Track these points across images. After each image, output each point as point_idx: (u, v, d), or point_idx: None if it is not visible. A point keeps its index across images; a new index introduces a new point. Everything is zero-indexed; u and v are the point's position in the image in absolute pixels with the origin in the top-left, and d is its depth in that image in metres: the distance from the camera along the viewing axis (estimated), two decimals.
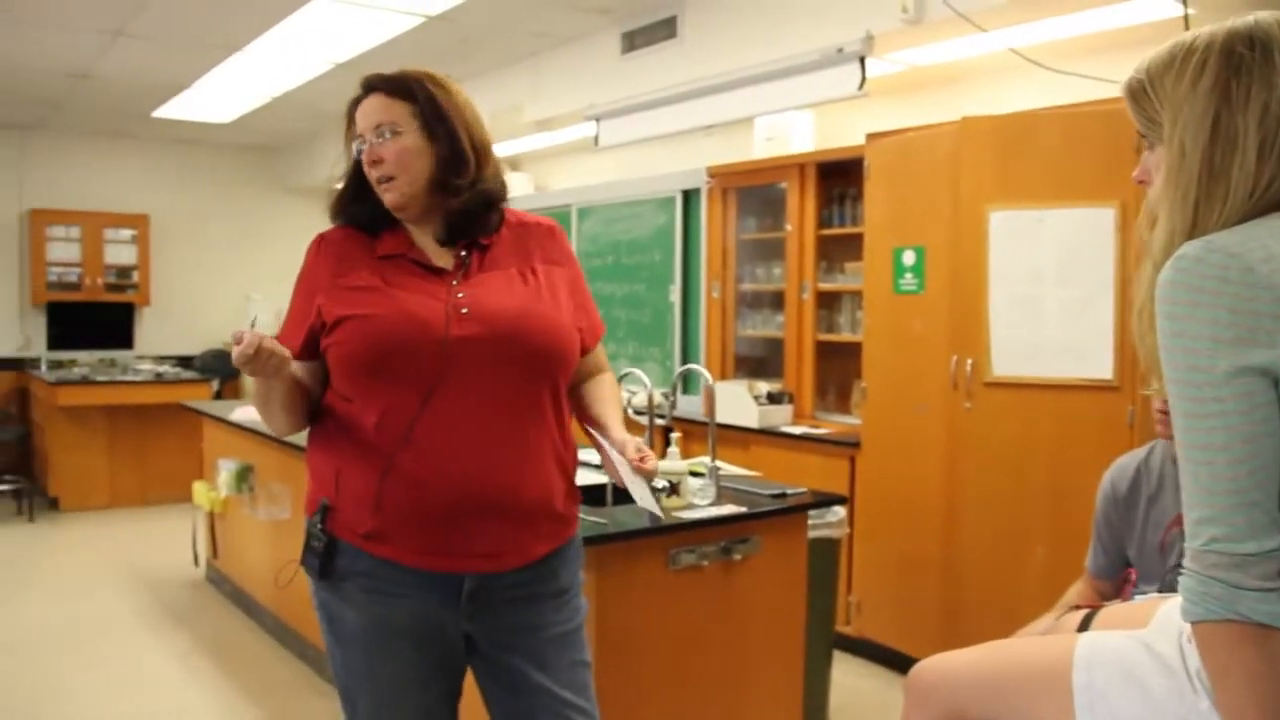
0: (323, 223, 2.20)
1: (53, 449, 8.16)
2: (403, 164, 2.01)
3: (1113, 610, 1.92)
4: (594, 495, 3.16)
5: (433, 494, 1.94)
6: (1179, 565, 2.67)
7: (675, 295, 6.18)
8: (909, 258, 4.52)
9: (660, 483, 3.12)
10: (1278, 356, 1.22)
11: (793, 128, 5.68)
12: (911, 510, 4.53)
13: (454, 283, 2.02)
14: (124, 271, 9.83)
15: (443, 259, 2.06)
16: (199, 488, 6.03)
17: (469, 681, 2.16)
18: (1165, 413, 2.78)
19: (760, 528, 3.24)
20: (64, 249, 9.54)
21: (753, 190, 5.90)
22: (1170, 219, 1.33)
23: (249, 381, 2.02)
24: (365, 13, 5.63)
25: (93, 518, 7.98)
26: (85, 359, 9.33)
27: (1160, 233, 1.35)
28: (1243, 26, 1.35)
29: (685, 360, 6.10)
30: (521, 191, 7.77)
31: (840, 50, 4.63)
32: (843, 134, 5.47)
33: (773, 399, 5.39)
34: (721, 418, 3.81)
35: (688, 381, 5.89)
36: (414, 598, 2.00)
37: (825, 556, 3.91)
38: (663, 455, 3.32)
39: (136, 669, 4.78)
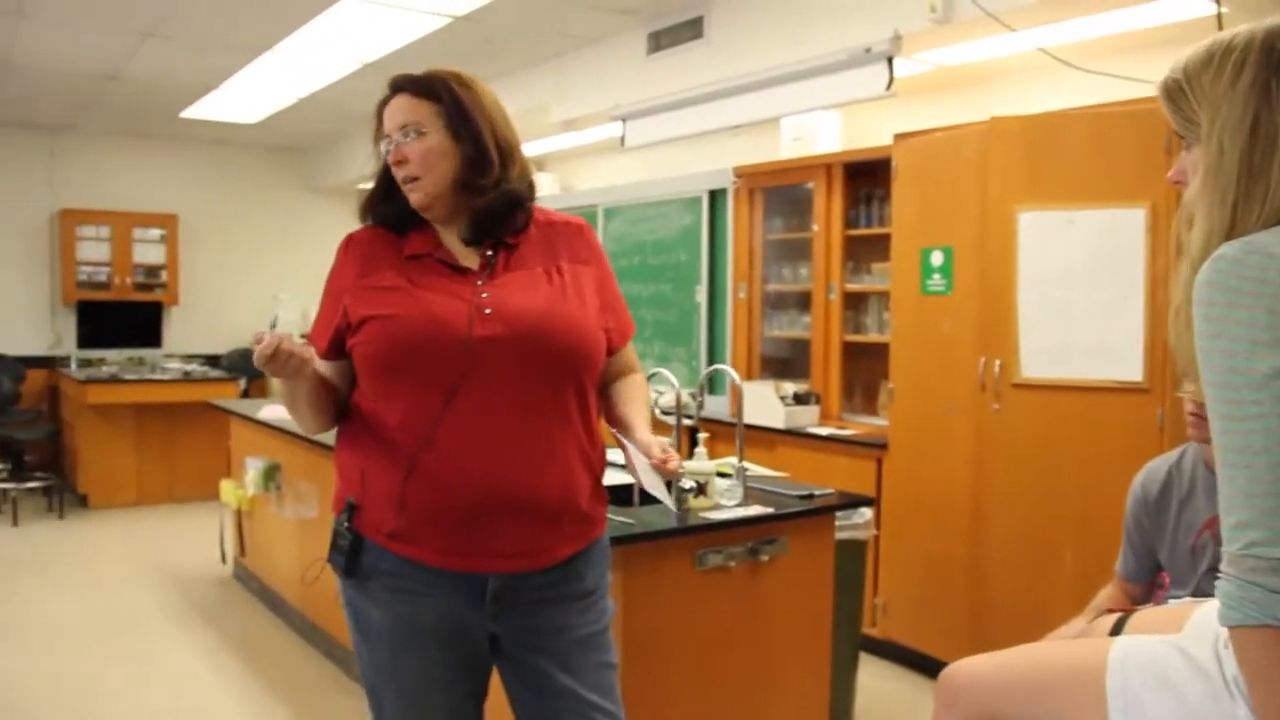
0: (349, 223, 2.21)
1: (82, 447, 8.23)
2: (427, 164, 2.01)
3: (1146, 614, 1.91)
4: (621, 495, 3.16)
5: (455, 494, 1.94)
6: (1212, 569, 2.65)
7: (701, 295, 6.17)
8: (937, 258, 4.50)
9: (688, 483, 3.13)
10: None
11: (819, 128, 5.66)
12: (938, 512, 4.51)
13: (479, 282, 2.02)
14: (152, 271, 9.91)
15: (469, 259, 2.06)
16: (226, 486, 6.07)
17: (495, 682, 2.16)
18: (1197, 415, 2.77)
19: (787, 529, 3.23)
20: (94, 248, 9.62)
21: (779, 190, 5.89)
22: (1208, 219, 1.32)
23: (275, 380, 2.02)
24: (392, 13, 5.65)
25: (121, 515, 8.04)
26: (114, 357, 9.40)
27: (1198, 233, 1.33)
28: None
29: (711, 360, 6.09)
30: (547, 192, 7.77)
31: (868, 50, 4.62)
32: (870, 134, 5.45)
33: (799, 400, 5.38)
34: (748, 418, 3.80)
35: (714, 382, 5.88)
36: (439, 597, 2.00)
37: (852, 558, 3.89)
38: (689, 456, 3.31)
39: (164, 665, 4.81)
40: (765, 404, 5.30)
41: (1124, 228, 3.89)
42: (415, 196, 2.03)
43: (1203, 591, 2.73)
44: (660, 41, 5.89)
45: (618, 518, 2.93)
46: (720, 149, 6.45)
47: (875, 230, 5.25)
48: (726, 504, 3.22)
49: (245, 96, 8.02)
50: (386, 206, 2.12)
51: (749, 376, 5.84)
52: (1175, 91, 1.41)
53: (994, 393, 4.24)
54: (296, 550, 5.16)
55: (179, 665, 4.81)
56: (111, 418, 8.20)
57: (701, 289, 6.17)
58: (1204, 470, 2.86)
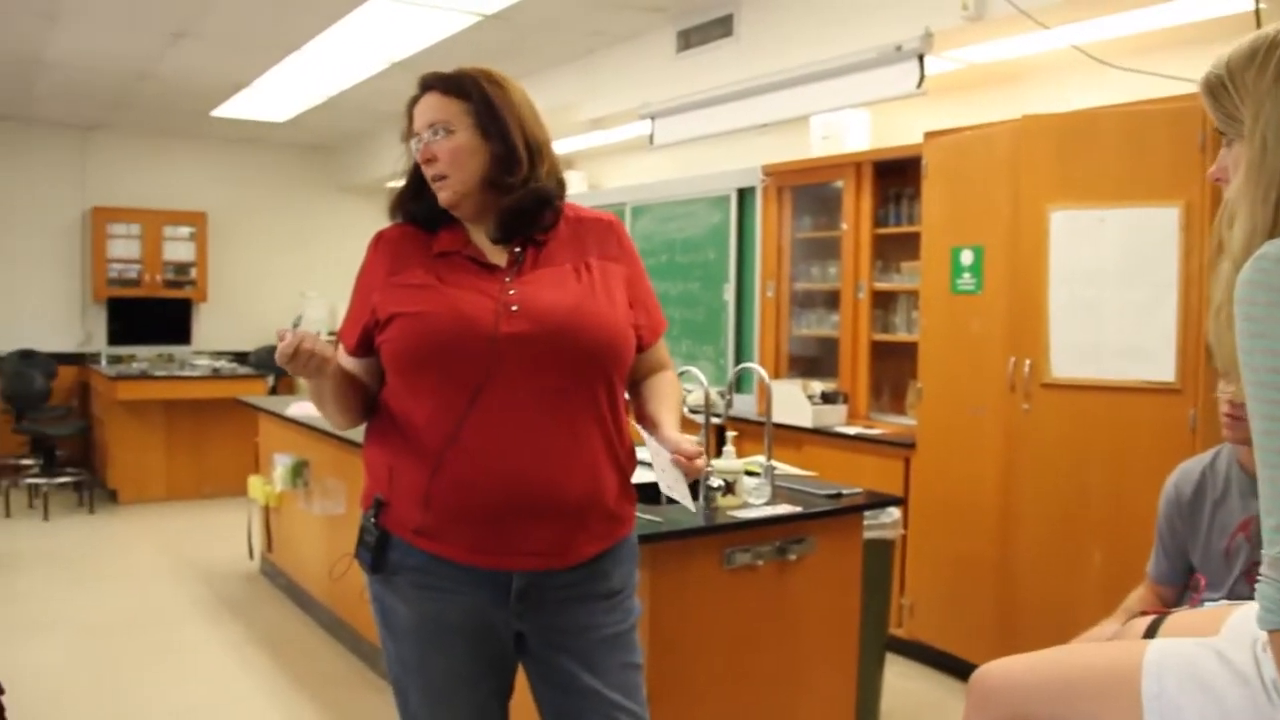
0: (377, 221, 2.21)
1: (112, 442, 8.29)
2: (455, 162, 2.01)
3: (1181, 616, 1.89)
4: (649, 493, 3.15)
5: (480, 492, 1.94)
6: (1246, 572, 2.62)
7: (729, 294, 6.16)
8: (967, 257, 4.47)
9: (716, 482, 3.12)
10: None
11: (849, 126, 5.64)
12: (967, 512, 4.48)
13: (507, 279, 2.02)
14: (182, 268, 9.98)
15: (497, 256, 2.06)
16: (254, 482, 6.09)
17: (521, 680, 2.15)
18: (1233, 416, 2.74)
19: (815, 528, 3.22)
20: (124, 246, 9.71)
21: (808, 189, 5.87)
22: (1250, 217, 1.30)
23: (305, 382, 2.03)
24: (421, 12, 5.66)
25: (151, 510, 8.09)
26: (144, 354, 9.47)
27: (1239, 231, 1.31)
28: None
29: (739, 359, 6.08)
30: (575, 190, 7.76)
31: (899, 48, 4.59)
32: (899, 132, 5.43)
33: (827, 399, 5.36)
34: (775, 417, 3.78)
35: (741, 380, 5.87)
36: (465, 594, 2.00)
37: (879, 558, 3.87)
38: (718, 454, 3.30)
39: (192, 660, 4.84)
40: (793, 403, 5.28)
41: (1157, 227, 3.86)
42: (443, 195, 2.03)
43: (1237, 594, 2.70)
44: (690, 39, 5.88)
45: (645, 516, 2.92)
46: (749, 147, 6.44)
47: (904, 229, 5.22)
48: (754, 503, 3.21)
49: (275, 95, 8.06)
50: (416, 204, 2.12)
51: (776, 375, 5.82)
52: (1217, 87, 1.39)
53: (1024, 392, 4.21)
54: (323, 546, 5.18)
55: (206, 660, 4.84)
56: (141, 414, 8.26)
57: (729, 287, 6.16)
58: (1238, 471, 2.83)
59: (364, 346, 2.08)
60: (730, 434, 3.41)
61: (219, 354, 9.80)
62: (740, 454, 3.37)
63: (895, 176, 5.31)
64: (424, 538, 1.98)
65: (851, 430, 5.17)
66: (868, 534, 3.55)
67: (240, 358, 9.91)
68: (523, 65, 6.72)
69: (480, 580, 1.99)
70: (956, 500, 4.52)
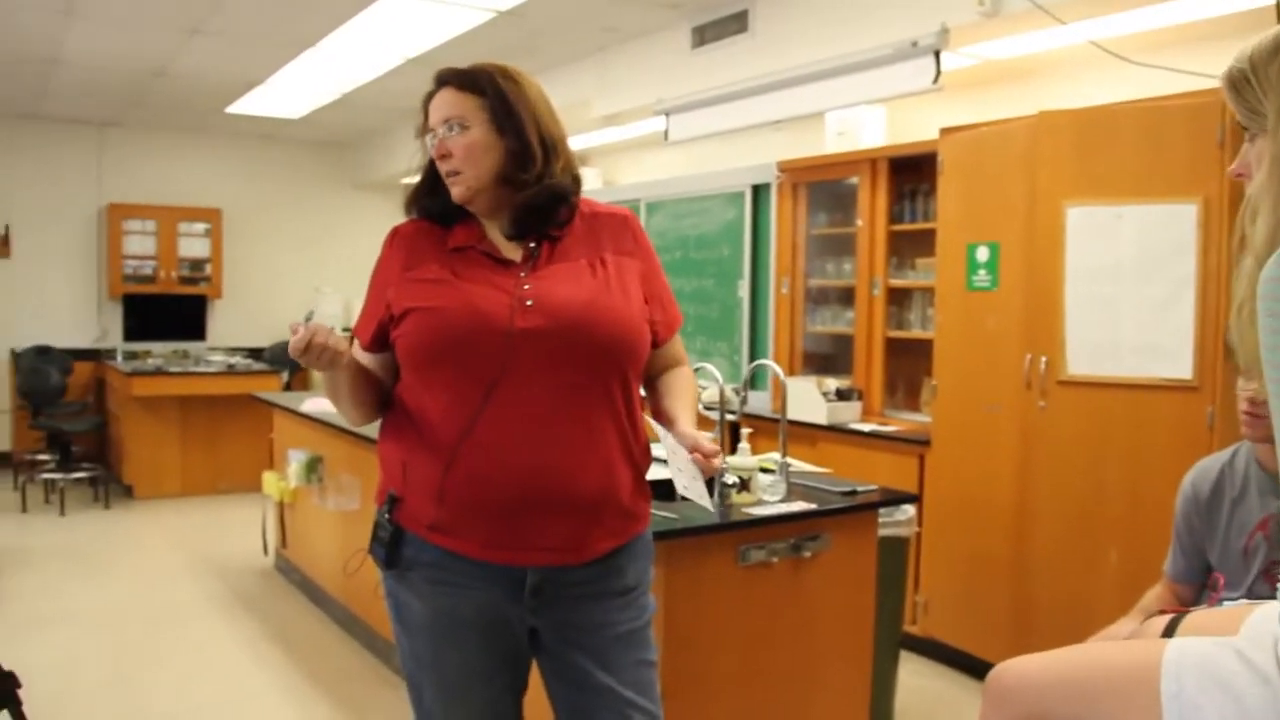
0: (392, 217, 2.21)
1: (128, 438, 8.32)
2: (469, 158, 2.00)
3: (1200, 616, 1.87)
4: (664, 490, 3.14)
5: (495, 487, 1.93)
6: (1265, 571, 2.60)
7: (744, 291, 6.15)
8: (983, 254, 4.45)
9: (730, 479, 3.11)
10: None
11: (864, 122, 5.62)
12: (982, 510, 4.46)
13: (522, 274, 2.01)
14: (197, 264, 10.01)
15: (512, 251, 2.05)
16: (269, 478, 6.11)
17: (535, 676, 2.15)
18: (1252, 414, 2.72)
19: (830, 525, 3.21)
20: (140, 242, 9.74)
21: (823, 185, 5.86)
22: (1273, 212, 1.28)
23: (318, 374, 2.03)
24: (436, 8, 5.66)
25: (166, 505, 8.12)
26: (159, 350, 9.50)
27: (1263, 226, 1.30)
28: None
29: (753, 356, 6.07)
30: (590, 186, 7.72)
31: (914, 44, 4.58)
32: (915, 129, 5.41)
33: (842, 396, 5.34)
34: (790, 414, 3.78)
35: (756, 377, 5.85)
36: (479, 590, 2.00)
37: (894, 555, 3.86)
38: (732, 451, 3.30)
39: (207, 655, 4.85)
40: (807, 400, 5.27)
41: (1175, 223, 3.83)
42: (457, 190, 2.03)
43: (1256, 593, 2.68)
44: (704, 35, 5.86)
45: (660, 513, 2.92)
46: (764, 143, 6.43)
47: (920, 225, 5.20)
48: (769, 500, 3.20)
49: (289, 92, 8.07)
50: (431, 200, 2.11)
51: (791, 372, 5.81)
52: (1240, 81, 1.37)
53: (1039, 390, 4.20)
54: (338, 542, 5.19)
55: (220, 655, 4.85)
56: (156, 409, 8.28)
57: (744, 284, 6.14)
58: (1257, 470, 2.81)
59: (379, 342, 2.08)
60: (745, 431, 3.40)
61: (234, 350, 9.83)
62: (755, 451, 3.37)
63: (911, 173, 5.28)
64: (438, 533, 1.98)
65: (866, 427, 5.15)
66: (882, 531, 3.54)
67: (255, 354, 9.93)
68: (537, 61, 6.72)
69: (494, 576, 1.98)
70: (972, 498, 4.51)
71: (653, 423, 2.15)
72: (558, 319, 1.96)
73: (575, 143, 2.15)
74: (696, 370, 2.42)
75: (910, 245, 5.33)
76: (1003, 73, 5.20)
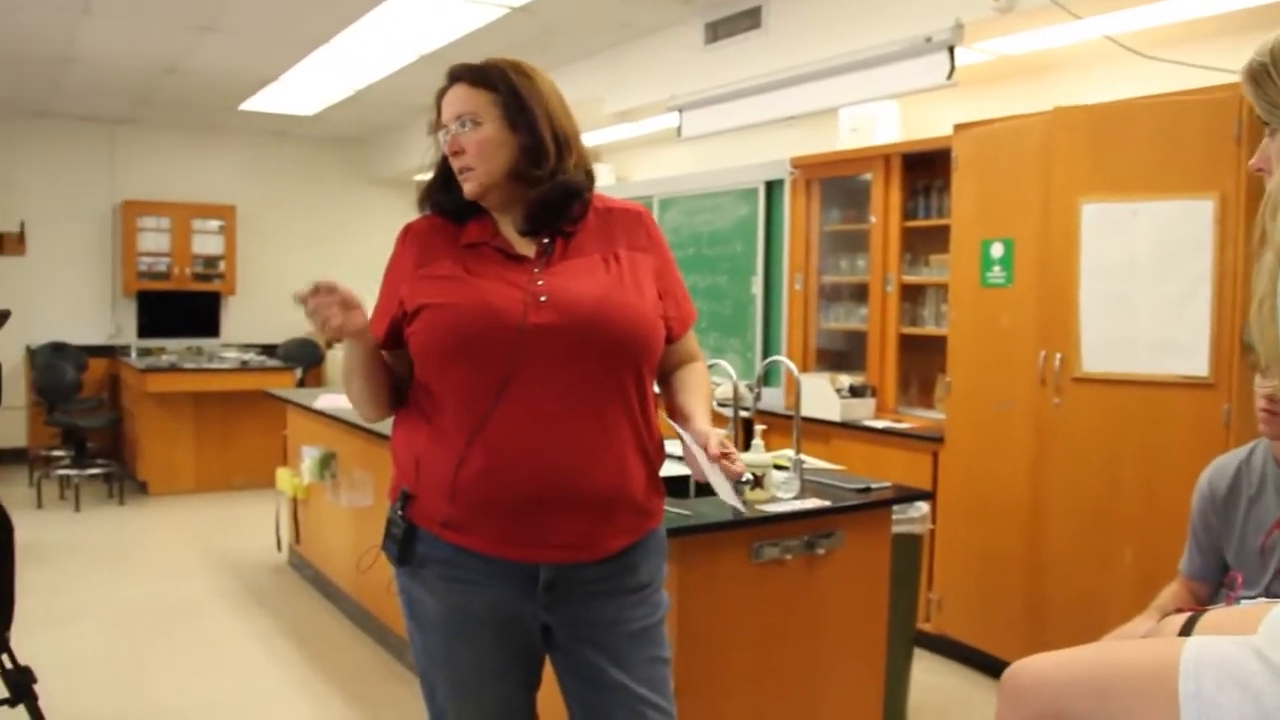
0: (406, 213, 2.20)
1: (142, 434, 8.34)
2: (482, 154, 2.00)
3: (1218, 614, 1.86)
4: (677, 487, 3.14)
5: (508, 484, 1.93)
6: None
7: (757, 287, 6.14)
8: (997, 250, 4.43)
9: (744, 475, 3.10)
10: None
11: (878, 118, 5.60)
12: (996, 507, 4.45)
13: (535, 270, 2.01)
14: (211, 261, 10.04)
15: (526, 246, 2.05)
16: (282, 474, 6.12)
17: (548, 673, 2.15)
18: (1270, 410, 2.70)
19: (844, 522, 3.20)
20: (154, 239, 9.77)
21: (837, 181, 5.84)
22: None
23: (332, 369, 2.03)
24: (449, 4, 5.66)
25: (180, 501, 8.15)
26: (173, 347, 9.54)
27: None
28: None
29: (767, 352, 6.06)
30: (602, 183, 7.73)
31: (929, 39, 4.56)
32: (928, 125, 5.39)
33: (855, 392, 5.33)
34: (803, 411, 3.77)
35: (769, 374, 5.84)
36: (492, 587, 1.99)
37: (907, 552, 3.85)
38: (746, 448, 3.29)
39: (220, 650, 4.87)
40: (821, 396, 5.26)
41: (1191, 219, 3.81)
42: (469, 186, 2.02)
43: (1274, 592, 2.66)
44: (718, 31, 5.85)
45: (674, 509, 2.92)
46: (777, 140, 6.41)
47: (934, 222, 5.18)
48: (783, 496, 3.20)
49: (303, 89, 8.08)
50: (444, 196, 2.11)
51: (804, 369, 5.80)
52: (1261, 75, 1.36)
53: (1054, 387, 4.18)
54: (351, 538, 5.19)
55: (234, 651, 4.87)
56: (171, 406, 8.31)
57: (757, 280, 6.13)
58: (1274, 467, 2.79)
59: (392, 339, 2.07)
60: (759, 427, 3.39)
61: (247, 346, 9.86)
62: (768, 448, 3.36)
63: (924, 169, 5.27)
64: (451, 530, 1.98)
65: (880, 424, 5.14)
66: (896, 528, 3.53)
67: (268, 350, 9.95)
68: (550, 58, 6.72)
69: (507, 573, 1.98)
70: (986, 495, 4.49)
71: (670, 423, 2.14)
72: (571, 315, 1.95)
73: (588, 139, 2.14)
74: (710, 367, 2.41)
75: (924, 241, 5.32)
76: (1017, 68, 5.18)
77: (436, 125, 2.09)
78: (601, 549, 1.99)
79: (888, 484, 3.51)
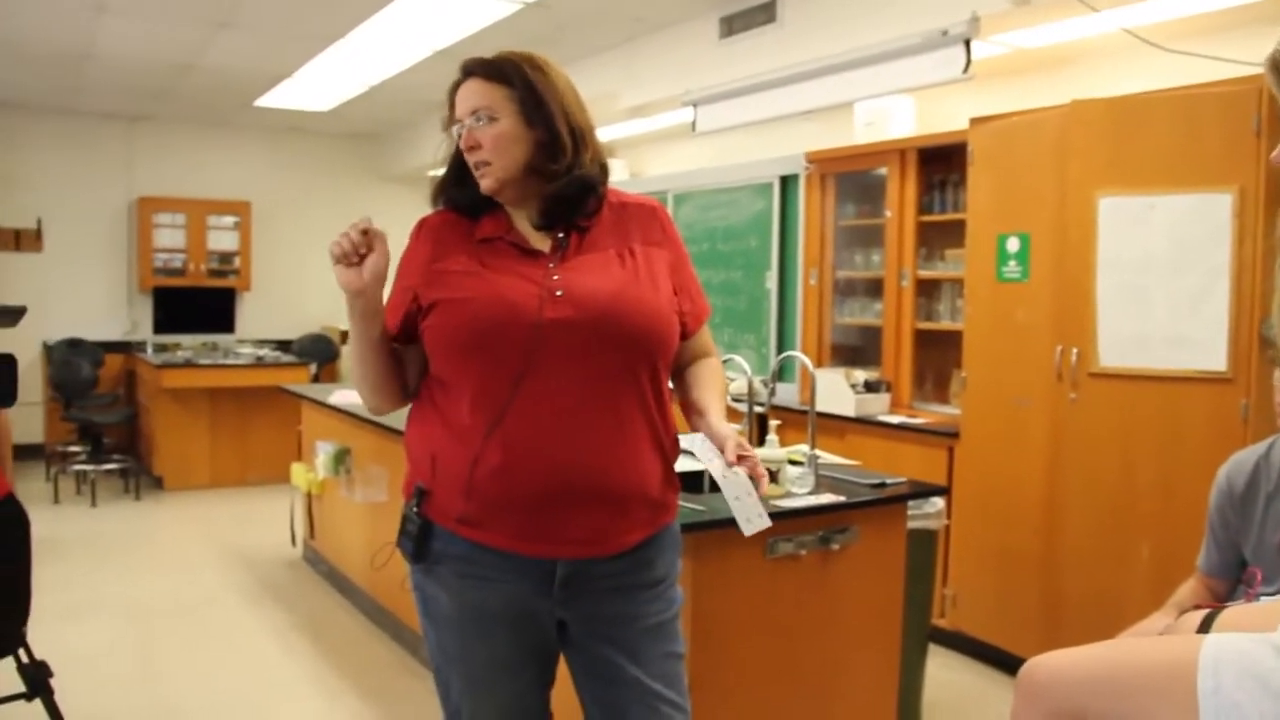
0: (420, 209, 2.19)
1: (158, 430, 8.37)
2: (498, 149, 1.99)
3: (1236, 611, 1.84)
4: (691, 482, 3.13)
5: (524, 479, 1.92)
6: None
7: (772, 282, 6.12)
8: (1013, 245, 4.41)
9: (761, 469, 3.08)
10: None
11: (893, 112, 5.58)
12: (1011, 503, 4.43)
13: (550, 265, 2.00)
14: (226, 257, 10.08)
15: (540, 241, 2.04)
16: (297, 469, 6.14)
17: (562, 670, 2.14)
18: None
19: (859, 517, 3.19)
20: (169, 235, 9.82)
21: (852, 176, 5.82)
22: None
23: (346, 365, 2.02)
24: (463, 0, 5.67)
25: (195, 497, 8.17)
26: (189, 342, 9.57)
27: None
28: None
29: (781, 348, 6.05)
30: (617, 178, 7.74)
31: (945, 33, 4.53)
32: (944, 118, 5.36)
33: (870, 387, 5.31)
34: (818, 406, 3.76)
35: (784, 369, 5.83)
36: (507, 583, 1.99)
37: (922, 548, 3.84)
38: (761, 443, 3.28)
39: (235, 645, 4.88)
40: (836, 391, 5.25)
41: (1209, 213, 3.79)
42: (485, 181, 2.01)
43: None
44: (732, 25, 5.83)
45: (688, 505, 2.91)
46: (792, 134, 6.39)
47: (949, 216, 5.16)
48: (798, 492, 3.19)
49: (317, 85, 8.09)
50: (458, 191, 2.10)
51: (819, 364, 5.78)
52: None
53: (1070, 382, 4.16)
54: (365, 533, 5.20)
55: (249, 645, 4.88)
56: (186, 401, 8.34)
57: (772, 275, 6.12)
58: None
59: (405, 333, 2.06)
60: (773, 423, 3.38)
61: (262, 342, 9.88)
62: (783, 443, 3.35)
63: (940, 163, 5.24)
64: (466, 526, 1.97)
65: (895, 419, 5.12)
66: (911, 524, 3.52)
67: (283, 346, 9.97)
68: (564, 52, 6.70)
69: (523, 568, 1.97)
70: (1001, 490, 4.47)
71: (690, 427, 2.12)
72: (587, 309, 1.94)
73: (602, 134, 2.13)
74: (725, 362, 2.40)
75: (939, 236, 5.30)
76: (1034, 61, 5.15)
77: (450, 120, 2.08)
78: (618, 543, 1.99)
79: (903, 479, 3.50)
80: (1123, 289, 4.01)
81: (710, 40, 6.01)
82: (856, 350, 5.94)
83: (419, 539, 2.03)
